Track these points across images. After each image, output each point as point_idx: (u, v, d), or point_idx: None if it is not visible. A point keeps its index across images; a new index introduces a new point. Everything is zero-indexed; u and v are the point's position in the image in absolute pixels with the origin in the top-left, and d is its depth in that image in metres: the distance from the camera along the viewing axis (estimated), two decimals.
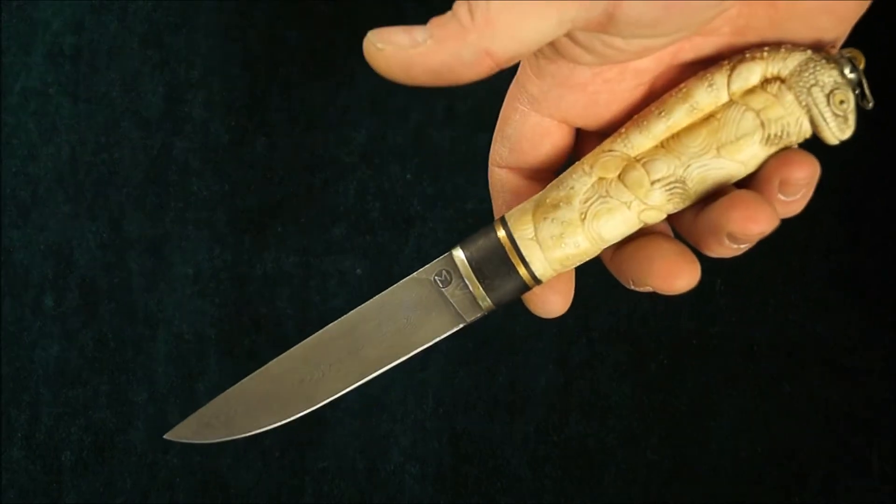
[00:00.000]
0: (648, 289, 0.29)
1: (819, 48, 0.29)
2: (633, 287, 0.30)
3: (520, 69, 0.31)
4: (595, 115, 0.31)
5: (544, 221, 0.30)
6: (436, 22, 0.26)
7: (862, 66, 0.29)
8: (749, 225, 0.27)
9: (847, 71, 0.29)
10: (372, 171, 0.68)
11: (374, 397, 0.67)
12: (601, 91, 0.30)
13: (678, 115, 0.29)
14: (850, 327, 0.64)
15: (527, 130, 0.32)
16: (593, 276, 0.65)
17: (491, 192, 0.34)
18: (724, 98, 0.29)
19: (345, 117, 0.68)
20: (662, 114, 0.29)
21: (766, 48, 0.29)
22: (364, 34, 0.26)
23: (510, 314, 0.66)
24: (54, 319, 0.68)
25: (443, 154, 0.67)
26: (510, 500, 0.66)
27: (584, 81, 0.30)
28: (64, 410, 0.68)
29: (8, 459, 0.68)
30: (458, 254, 0.32)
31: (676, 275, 0.28)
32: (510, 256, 0.31)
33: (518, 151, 0.32)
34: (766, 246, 0.71)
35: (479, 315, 0.32)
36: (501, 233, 0.31)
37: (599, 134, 0.32)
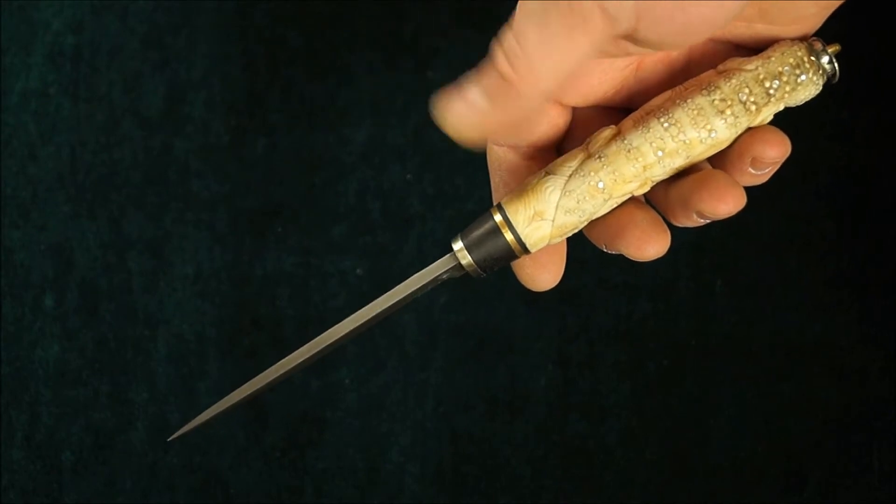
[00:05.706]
0: (619, 252, 0.31)
1: (805, 40, 0.31)
2: (605, 250, 0.32)
3: None
4: (586, 93, 0.32)
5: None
6: (480, 76, 0.27)
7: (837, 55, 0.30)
8: (718, 205, 0.29)
9: (829, 75, 0.30)
10: (372, 171, 0.68)
11: (374, 397, 0.67)
12: (594, 72, 0.32)
13: (700, 149, 0.30)
14: (849, 327, 0.64)
15: None
16: (594, 275, 0.65)
17: (489, 169, 0.35)
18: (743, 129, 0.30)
19: (345, 117, 0.68)
20: (682, 151, 0.30)
21: (781, 87, 0.30)
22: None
23: (510, 314, 0.66)
24: (54, 319, 0.69)
25: (443, 154, 0.67)
26: (510, 500, 0.66)
27: None
28: (64, 410, 0.68)
29: (8, 459, 0.68)
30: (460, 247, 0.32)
31: (647, 242, 0.30)
32: (501, 228, 0.31)
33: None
34: (765, 246, 0.71)
35: (454, 265, 0.33)
36: (499, 218, 0.32)
37: (591, 108, 0.33)
